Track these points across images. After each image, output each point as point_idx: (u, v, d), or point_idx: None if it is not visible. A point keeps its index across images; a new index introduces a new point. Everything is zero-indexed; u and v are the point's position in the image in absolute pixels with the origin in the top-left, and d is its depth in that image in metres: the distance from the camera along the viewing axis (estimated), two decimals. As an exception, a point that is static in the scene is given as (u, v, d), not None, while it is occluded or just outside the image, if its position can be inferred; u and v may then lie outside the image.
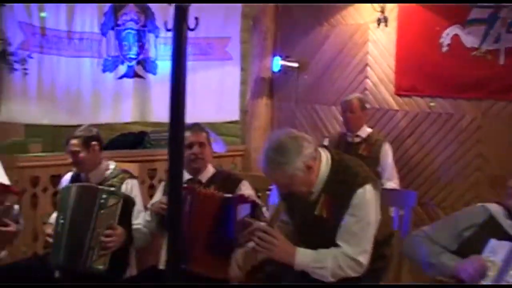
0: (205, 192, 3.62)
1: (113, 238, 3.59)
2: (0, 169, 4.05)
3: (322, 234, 2.99)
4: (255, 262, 3.21)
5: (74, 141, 3.90)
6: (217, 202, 3.52)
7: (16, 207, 3.84)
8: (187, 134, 3.76)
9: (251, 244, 3.11)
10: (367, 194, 2.94)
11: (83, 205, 3.67)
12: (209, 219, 3.49)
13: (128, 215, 3.76)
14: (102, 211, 3.61)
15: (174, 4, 2.18)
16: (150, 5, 5.71)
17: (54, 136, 7.55)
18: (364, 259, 2.94)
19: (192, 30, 2.17)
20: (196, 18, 2.19)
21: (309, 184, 2.97)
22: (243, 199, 3.53)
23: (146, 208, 4.00)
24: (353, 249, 2.91)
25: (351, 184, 2.94)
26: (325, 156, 3.03)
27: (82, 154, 3.90)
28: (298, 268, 2.93)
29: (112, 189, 3.76)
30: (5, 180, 3.98)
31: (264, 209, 3.73)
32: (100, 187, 3.74)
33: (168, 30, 2.21)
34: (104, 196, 3.62)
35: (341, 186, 2.95)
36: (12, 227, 3.71)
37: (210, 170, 3.94)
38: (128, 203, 3.75)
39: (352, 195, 2.92)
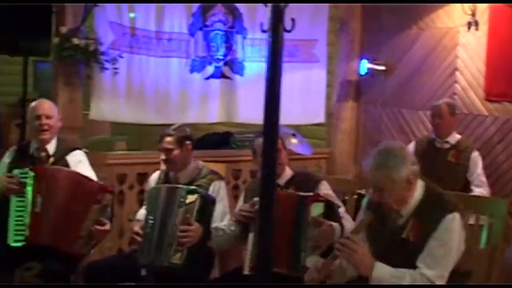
0: (282, 193, 3.63)
1: (189, 233, 3.63)
2: (87, 165, 4.20)
3: (403, 256, 2.98)
4: (330, 271, 3.18)
5: (168, 139, 3.95)
6: (292, 201, 3.55)
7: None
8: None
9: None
10: (455, 221, 2.96)
11: (169, 205, 3.74)
12: (286, 219, 3.48)
13: (206, 213, 3.78)
14: (181, 209, 3.67)
15: (269, 4, 2.18)
16: (238, 6, 5.75)
17: (138, 135, 7.71)
18: (441, 283, 2.93)
19: (288, 31, 2.17)
20: (293, 20, 2.19)
21: (401, 202, 3.00)
22: (316, 197, 3.54)
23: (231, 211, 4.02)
24: (432, 272, 2.91)
25: (441, 209, 2.97)
26: (420, 183, 3.05)
27: (175, 152, 3.94)
28: (374, 281, 2.92)
29: (192, 187, 3.79)
30: (92, 174, 4.12)
31: (341, 209, 3.71)
32: (180, 186, 3.81)
33: (263, 31, 2.21)
34: (183, 194, 3.69)
35: (432, 211, 2.98)
36: (107, 226, 3.83)
37: (288, 173, 3.92)
38: (206, 201, 3.77)
39: (441, 220, 2.93)
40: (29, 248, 3.86)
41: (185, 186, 3.78)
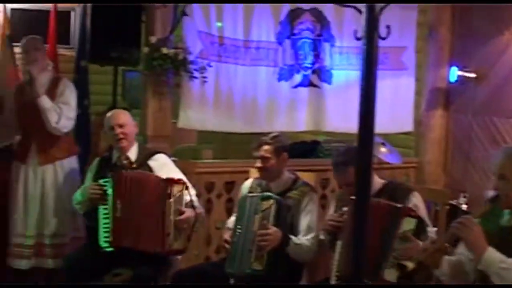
0: (374, 202, 3.58)
1: (266, 237, 3.65)
2: (172, 166, 4.28)
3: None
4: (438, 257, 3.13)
5: (266, 147, 3.98)
6: (384, 211, 3.50)
7: (193, 192, 4.14)
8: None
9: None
10: None
11: (251, 214, 3.80)
12: (375, 228, 3.41)
13: (282, 218, 3.78)
14: (257, 215, 3.72)
15: (363, 11, 2.16)
16: (326, 14, 5.73)
17: (224, 143, 7.77)
18: None
19: (383, 39, 2.14)
20: (388, 27, 2.16)
21: None
22: (410, 212, 3.48)
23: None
24: None
25: None
26: None
27: (271, 162, 3.97)
28: (482, 263, 2.87)
29: (267, 194, 3.83)
30: (178, 174, 4.19)
31: (429, 229, 3.63)
32: (256, 194, 3.87)
33: (357, 39, 2.19)
34: (258, 201, 3.75)
35: None
36: (188, 213, 3.90)
37: (378, 182, 3.85)
38: (281, 206, 3.78)
39: None
40: (119, 254, 3.97)
41: (260, 194, 3.85)
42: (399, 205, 3.53)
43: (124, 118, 4.33)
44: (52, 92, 4.66)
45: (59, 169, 4.74)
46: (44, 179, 4.70)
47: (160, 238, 3.94)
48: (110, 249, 4.00)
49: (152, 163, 4.27)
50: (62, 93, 4.69)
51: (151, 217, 3.98)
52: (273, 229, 3.68)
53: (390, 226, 3.44)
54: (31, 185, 4.69)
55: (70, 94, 4.75)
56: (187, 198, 4.06)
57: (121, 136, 4.24)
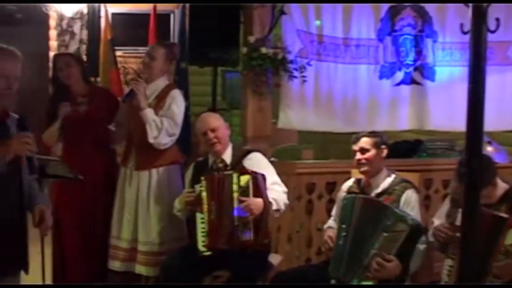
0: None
1: (384, 269, 3.53)
2: (266, 163, 4.28)
3: None
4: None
5: (366, 139, 3.98)
6: (489, 220, 3.35)
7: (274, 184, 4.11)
8: None
9: None
10: None
11: (367, 221, 3.68)
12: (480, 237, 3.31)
13: (411, 245, 3.63)
14: (385, 234, 3.57)
15: (469, 5, 2.10)
16: (428, 9, 5.62)
17: (324, 143, 7.75)
18: None
19: (493, 32, 2.07)
20: (497, 19, 2.09)
21: None
22: None
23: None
24: None
25: None
26: None
27: (370, 153, 3.95)
28: None
29: (402, 213, 3.66)
30: (272, 171, 4.22)
31: None
32: (388, 205, 3.72)
33: (464, 33, 2.13)
34: (392, 219, 3.58)
35: None
36: (250, 201, 3.89)
37: (501, 187, 3.65)
38: (415, 233, 3.61)
39: None
40: (219, 257, 4.00)
41: (395, 209, 3.68)
42: (505, 216, 3.38)
43: (215, 122, 4.32)
44: (160, 101, 4.64)
45: (155, 176, 4.67)
46: (139, 185, 4.68)
47: (228, 232, 3.95)
48: (208, 252, 4.02)
49: (246, 162, 4.25)
50: (169, 107, 4.62)
51: (228, 213, 3.98)
52: (394, 263, 3.53)
53: (492, 237, 3.31)
54: (127, 189, 4.73)
55: (177, 109, 4.65)
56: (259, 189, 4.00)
57: (215, 140, 4.23)
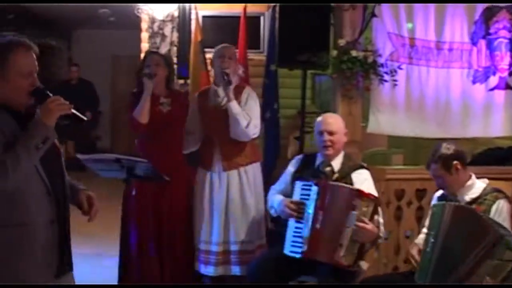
0: None
1: None
2: (371, 184, 4.23)
3: None
4: None
5: (434, 166, 3.86)
6: None
7: (378, 215, 3.98)
8: None
9: None
10: None
11: (459, 229, 3.57)
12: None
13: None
14: (492, 261, 3.42)
15: None
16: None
17: (415, 148, 7.64)
18: None
19: None
20: None
21: None
22: None
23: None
24: None
25: None
26: None
27: (446, 178, 3.83)
28: None
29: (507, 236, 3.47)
30: (372, 191, 4.13)
31: None
32: (484, 216, 3.59)
33: None
34: (502, 246, 3.41)
35: None
36: (369, 226, 3.83)
37: None
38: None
39: None
40: (305, 261, 4.00)
41: (498, 229, 3.50)
42: None
43: (335, 125, 4.29)
44: (236, 98, 4.74)
45: (244, 175, 4.83)
46: (229, 186, 4.80)
47: (331, 247, 3.87)
48: (297, 255, 3.98)
49: (354, 176, 4.21)
50: (246, 103, 4.79)
51: (339, 230, 3.88)
52: None
53: None
54: (216, 192, 4.81)
55: (254, 104, 4.83)
56: (375, 216, 3.95)
57: (328, 143, 4.22)
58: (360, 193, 3.90)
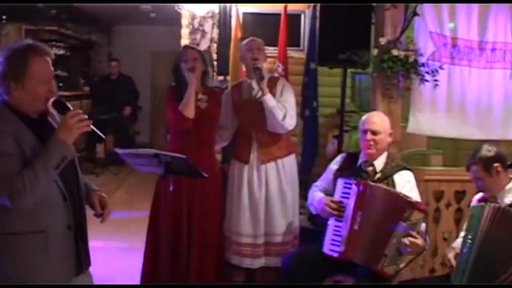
0: None
1: None
2: (414, 186, 4.20)
3: None
4: None
5: (474, 168, 3.84)
6: None
7: (423, 225, 3.93)
8: None
9: None
10: None
11: (499, 231, 3.52)
12: None
13: None
14: None
15: None
16: None
17: (455, 149, 7.58)
18: None
19: None
20: None
21: None
22: None
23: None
24: None
25: None
26: None
27: (486, 180, 3.80)
28: None
29: None
30: (416, 196, 4.10)
31: None
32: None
33: None
34: None
35: None
36: (419, 241, 3.80)
37: None
38: None
39: None
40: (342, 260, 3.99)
41: None
42: None
43: (380, 125, 4.25)
44: (270, 91, 4.75)
45: (281, 167, 4.87)
46: (267, 178, 4.85)
47: (376, 255, 3.84)
48: (335, 254, 3.98)
49: (397, 177, 4.19)
50: (281, 93, 4.83)
51: (381, 236, 3.84)
52: None
53: None
54: (256, 185, 4.86)
55: (289, 94, 4.85)
56: (422, 228, 3.91)
57: (370, 143, 4.20)
58: (413, 205, 3.83)
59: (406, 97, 5.19)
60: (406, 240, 3.77)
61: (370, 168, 4.22)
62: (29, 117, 2.87)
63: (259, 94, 4.74)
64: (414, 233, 3.79)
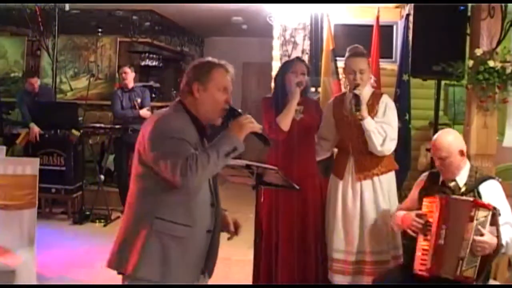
0: None
1: None
2: (501, 196, 4.12)
3: None
4: None
5: None
6: None
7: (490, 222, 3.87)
8: None
9: None
10: None
11: None
12: None
13: None
14: None
15: None
16: None
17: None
18: None
19: None
20: None
21: None
22: None
23: None
24: None
25: None
26: None
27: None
28: None
29: None
30: (503, 202, 4.03)
31: None
32: None
33: None
34: None
35: None
36: (487, 238, 3.75)
37: None
38: None
39: None
40: (434, 280, 3.93)
41: None
42: None
43: (446, 150, 4.11)
44: (372, 108, 4.72)
45: (378, 185, 4.77)
46: (362, 195, 4.77)
47: (454, 263, 3.80)
48: (425, 274, 3.92)
49: (482, 188, 4.09)
50: (384, 113, 4.72)
51: (459, 245, 3.81)
52: None
53: None
54: (350, 201, 4.79)
55: (392, 114, 4.76)
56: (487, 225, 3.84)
57: (441, 168, 4.15)
58: (476, 203, 3.84)
59: (502, 110, 5.09)
60: (475, 239, 3.76)
61: (453, 184, 4.14)
62: (202, 125, 3.20)
63: (359, 116, 4.63)
64: (481, 230, 3.77)
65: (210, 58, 3.25)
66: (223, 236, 3.37)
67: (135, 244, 3.02)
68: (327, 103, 5.30)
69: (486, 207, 3.83)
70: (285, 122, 4.75)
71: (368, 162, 4.77)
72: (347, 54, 4.89)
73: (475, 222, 3.77)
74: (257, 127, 3.12)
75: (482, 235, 3.77)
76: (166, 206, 3.02)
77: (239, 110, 3.17)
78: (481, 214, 3.79)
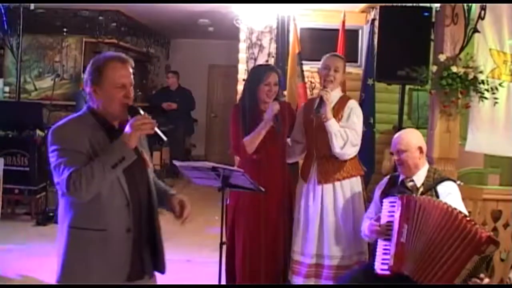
0: None
1: None
2: (458, 198, 4.17)
3: None
4: None
5: None
6: None
7: None
8: None
9: None
10: None
11: None
12: None
13: None
14: None
15: None
16: None
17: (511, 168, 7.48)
18: None
19: None
20: None
21: None
22: None
23: None
24: None
25: None
26: None
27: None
28: None
29: None
30: (460, 205, 4.07)
31: None
32: None
33: None
34: None
35: None
36: (485, 280, 3.70)
37: None
38: None
39: None
40: (396, 281, 3.95)
41: None
42: None
43: (404, 144, 4.21)
44: (337, 112, 4.72)
45: (339, 189, 4.77)
46: (323, 199, 4.76)
47: (418, 261, 3.79)
48: (387, 272, 3.92)
49: (440, 189, 4.15)
50: (349, 117, 4.73)
51: (438, 250, 3.78)
52: None
53: None
54: (310, 203, 4.80)
55: (357, 120, 4.75)
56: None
57: (398, 163, 4.23)
58: (492, 240, 3.72)
59: (464, 115, 5.16)
60: (476, 280, 3.70)
61: (411, 183, 4.21)
62: (111, 125, 3.05)
63: (323, 117, 4.63)
64: (481, 271, 3.73)
65: (106, 53, 3.13)
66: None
67: (59, 254, 2.98)
68: (301, 106, 5.28)
69: (497, 244, 3.77)
70: (251, 146, 4.72)
71: (330, 166, 4.77)
72: (326, 55, 4.90)
73: (482, 255, 3.69)
74: (148, 128, 2.95)
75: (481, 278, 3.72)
76: (78, 214, 2.95)
77: (139, 109, 3.00)
78: (490, 249, 3.69)
